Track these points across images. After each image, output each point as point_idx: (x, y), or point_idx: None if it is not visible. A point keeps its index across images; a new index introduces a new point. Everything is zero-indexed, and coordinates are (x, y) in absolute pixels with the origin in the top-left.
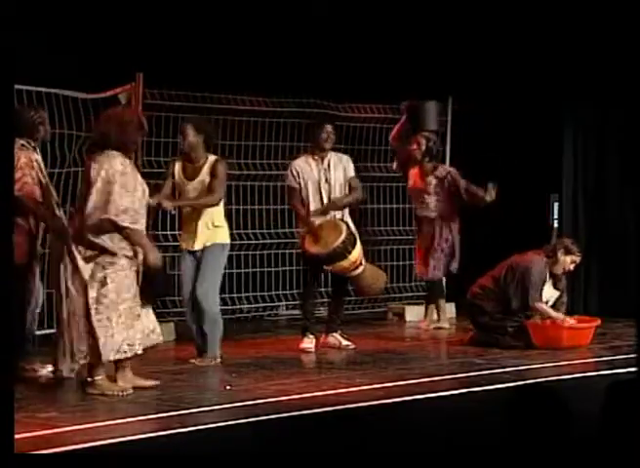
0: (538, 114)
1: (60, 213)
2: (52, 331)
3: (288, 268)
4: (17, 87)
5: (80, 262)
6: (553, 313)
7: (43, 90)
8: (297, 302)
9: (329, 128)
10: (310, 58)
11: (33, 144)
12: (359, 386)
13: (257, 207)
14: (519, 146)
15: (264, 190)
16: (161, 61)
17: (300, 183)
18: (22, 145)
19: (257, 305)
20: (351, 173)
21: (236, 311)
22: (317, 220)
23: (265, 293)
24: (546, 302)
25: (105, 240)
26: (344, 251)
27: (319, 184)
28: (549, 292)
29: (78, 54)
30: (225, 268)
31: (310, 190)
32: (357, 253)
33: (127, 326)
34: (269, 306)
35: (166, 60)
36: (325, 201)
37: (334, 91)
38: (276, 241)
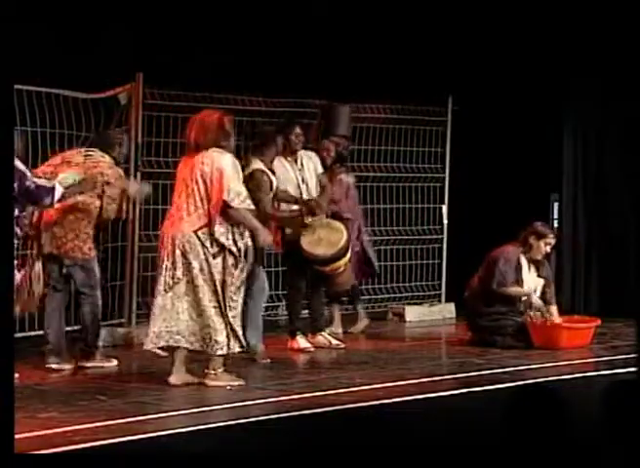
0: (538, 114)
1: None
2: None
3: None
4: (17, 87)
5: (210, 258)
6: (520, 290)
7: (43, 90)
8: None
9: (298, 128)
10: (310, 58)
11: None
12: (359, 386)
13: None
14: (519, 146)
15: None
16: (161, 61)
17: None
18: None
19: None
20: (320, 169)
21: None
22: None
23: None
24: (534, 291)
25: (229, 236)
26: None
27: (298, 186)
28: (533, 281)
29: (78, 54)
30: None
31: (290, 193)
32: (349, 251)
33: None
34: (269, 306)
35: (166, 60)
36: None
37: (334, 91)
38: None
